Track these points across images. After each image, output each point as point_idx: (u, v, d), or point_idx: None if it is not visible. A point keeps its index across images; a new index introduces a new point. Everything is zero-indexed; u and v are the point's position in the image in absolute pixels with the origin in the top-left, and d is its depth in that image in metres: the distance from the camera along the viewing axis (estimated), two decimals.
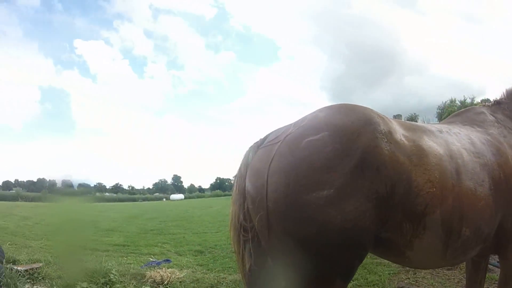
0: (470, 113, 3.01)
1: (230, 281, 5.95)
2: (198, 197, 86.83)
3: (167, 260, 7.83)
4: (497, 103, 3.12)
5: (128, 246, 10.99)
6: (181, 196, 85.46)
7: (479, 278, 3.09)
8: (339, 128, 1.96)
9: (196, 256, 9.04)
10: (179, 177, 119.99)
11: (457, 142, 2.40)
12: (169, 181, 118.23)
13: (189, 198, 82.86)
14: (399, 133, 2.13)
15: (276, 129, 2.20)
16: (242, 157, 2.30)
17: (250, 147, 2.27)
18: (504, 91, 3.17)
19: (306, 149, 1.89)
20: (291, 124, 2.12)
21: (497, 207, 2.33)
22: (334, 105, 2.25)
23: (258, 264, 2.19)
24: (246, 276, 2.28)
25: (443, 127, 2.61)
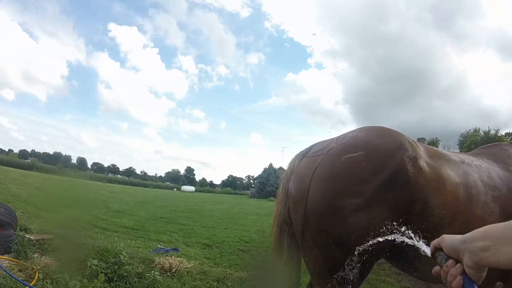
0: (496, 149, 3.16)
1: (236, 278, 5.98)
2: (209, 191, 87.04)
3: (175, 249, 7.88)
4: None
5: (137, 230, 11.10)
6: (192, 188, 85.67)
7: None
8: (375, 149, 2.29)
9: (203, 249, 9.09)
10: (192, 170, 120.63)
11: (475, 174, 2.59)
12: (182, 172, 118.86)
13: (200, 191, 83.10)
14: (423, 159, 2.38)
15: (319, 141, 2.61)
16: (289, 163, 2.70)
17: (296, 155, 2.66)
18: None
19: (345, 164, 2.25)
20: (333, 139, 2.50)
21: None
22: (372, 127, 2.57)
23: (293, 257, 2.59)
24: (281, 263, 2.64)
25: (467, 157, 2.80)
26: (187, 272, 5.75)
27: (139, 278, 4.88)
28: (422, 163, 2.35)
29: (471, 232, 1.15)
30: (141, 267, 5.38)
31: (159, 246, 8.05)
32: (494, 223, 2.14)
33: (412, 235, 1.46)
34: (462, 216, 2.34)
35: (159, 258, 6.06)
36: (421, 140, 9.11)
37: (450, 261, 1.15)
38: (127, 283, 4.67)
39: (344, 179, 2.23)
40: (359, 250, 2.11)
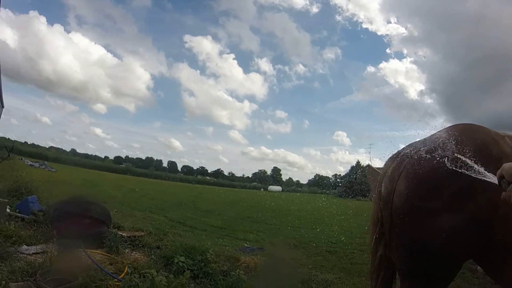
0: None
1: (321, 280, 5.83)
2: (295, 191, 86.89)
3: (261, 248, 7.90)
4: None
5: (225, 229, 11.36)
6: (279, 188, 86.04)
7: None
8: (457, 151, 2.23)
9: (289, 249, 8.96)
10: (279, 170, 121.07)
11: None
12: (269, 172, 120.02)
13: (287, 191, 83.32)
14: (509, 158, 2.17)
15: (410, 143, 2.67)
16: (384, 164, 2.83)
17: (389, 157, 2.77)
18: None
19: (426, 167, 2.29)
20: (422, 141, 2.56)
21: None
22: (458, 126, 2.55)
23: (386, 254, 2.64)
24: (375, 261, 2.75)
25: None
26: (272, 272, 5.71)
27: (224, 276, 4.93)
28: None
29: None
30: (226, 265, 5.44)
31: (245, 245, 8.13)
32: None
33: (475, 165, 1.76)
34: None
35: (245, 257, 6.09)
36: None
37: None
38: (212, 280, 4.74)
39: (425, 182, 2.29)
40: (440, 251, 2.22)
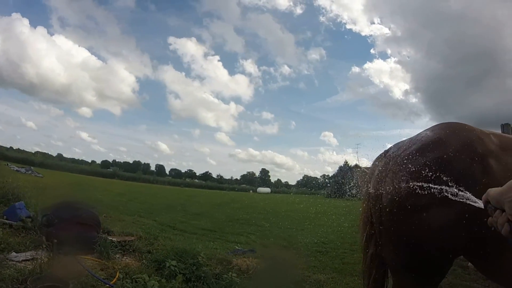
0: None
1: (314, 280, 5.83)
2: (284, 192, 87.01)
3: (252, 250, 7.87)
4: None
5: (215, 231, 11.31)
6: (267, 189, 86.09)
7: None
8: (443, 149, 2.32)
9: (281, 250, 8.99)
10: (267, 171, 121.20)
11: None
12: (257, 174, 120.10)
13: (276, 192, 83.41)
14: (494, 156, 2.33)
15: (396, 143, 2.74)
16: (372, 163, 2.88)
17: (377, 157, 2.83)
18: None
19: (413, 165, 2.32)
20: (410, 139, 2.61)
21: None
22: (443, 124, 2.63)
23: (377, 252, 2.66)
24: (367, 260, 2.78)
25: None
26: (264, 273, 5.70)
27: (216, 279, 4.90)
28: (492, 161, 2.30)
29: (507, 183, 1.28)
30: (218, 268, 5.41)
31: (237, 247, 8.09)
32: None
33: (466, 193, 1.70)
34: None
35: (237, 260, 6.07)
36: (505, 126, 8.49)
37: (497, 211, 1.29)
38: (205, 283, 4.71)
39: (414, 179, 2.26)
40: (429, 247, 2.27)
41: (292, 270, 6.49)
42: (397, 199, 2.34)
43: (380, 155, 2.80)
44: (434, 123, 2.71)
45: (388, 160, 2.58)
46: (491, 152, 2.33)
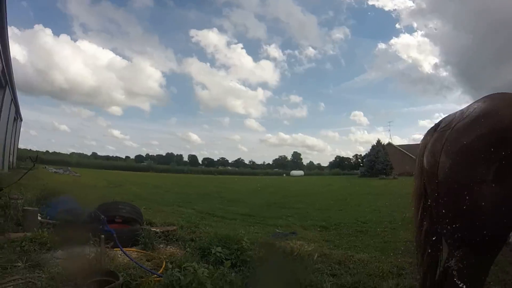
0: None
1: (358, 260, 5.75)
2: (317, 174, 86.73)
3: (293, 233, 7.87)
4: None
5: (253, 216, 11.34)
6: (301, 172, 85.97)
7: None
8: (498, 120, 2.24)
9: (321, 231, 8.96)
10: (299, 154, 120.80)
11: None
12: (289, 157, 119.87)
13: (309, 174, 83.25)
14: None
15: (447, 115, 2.65)
16: (422, 139, 2.79)
17: (428, 131, 2.75)
18: None
19: (469, 138, 2.28)
20: (461, 111, 2.52)
21: None
22: (496, 95, 2.54)
23: (432, 227, 2.65)
24: (421, 235, 2.76)
25: None
26: (308, 255, 5.66)
27: (261, 263, 4.89)
28: None
29: None
30: (262, 252, 5.39)
31: (277, 230, 8.08)
32: None
33: None
34: None
35: (280, 243, 6.06)
36: None
37: None
38: (251, 267, 4.70)
39: (469, 153, 2.26)
40: (485, 221, 2.19)
41: (335, 250, 6.45)
42: (454, 173, 2.30)
43: (431, 128, 2.73)
44: (467, 97, 2.72)
45: (441, 133, 2.50)
46: None
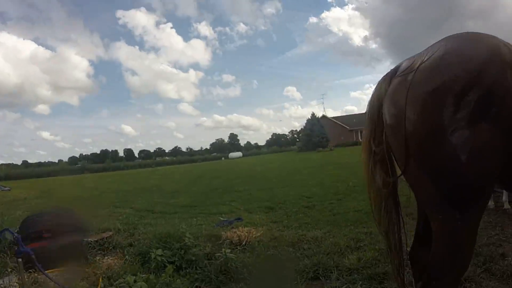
0: None
1: (311, 238, 5.49)
2: (256, 154, 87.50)
3: (239, 219, 7.45)
4: None
5: (195, 206, 10.84)
6: (239, 154, 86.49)
7: None
8: (470, 58, 2.02)
9: (267, 212, 8.65)
10: (236, 135, 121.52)
11: None
12: (226, 140, 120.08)
13: (247, 155, 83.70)
14: None
15: (405, 59, 2.32)
16: (375, 88, 2.43)
17: (382, 78, 2.38)
18: None
19: (441, 77, 1.99)
20: (420, 54, 2.20)
21: None
22: (461, 34, 2.28)
23: (386, 184, 2.40)
24: (374, 192, 2.51)
25: None
26: (258, 241, 5.30)
27: (209, 259, 4.42)
28: None
29: None
30: (208, 246, 4.92)
31: (221, 218, 7.61)
32: None
33: None
34: None
35: (226, 232, 5.63)
36: None
37: None
38: (197, 268, 4.21)
39: (442, 94, 1.97)
40: (467, 173, 1.96)
41: (286, 231, 6.14)
42: (425, 120, 2.02)
43: (386, 76, 2.36)
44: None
45: (404, 77, 2.17)
46: None
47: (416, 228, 2.72)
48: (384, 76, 2.40)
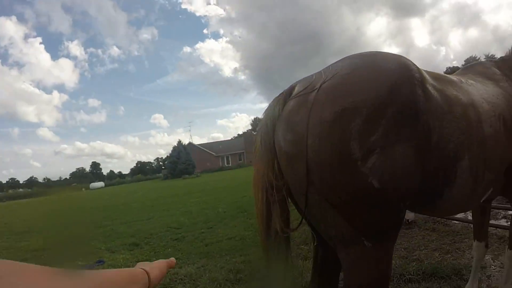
0: (481, 67, 3.14)
1: (185, 276, 5.15)
2: (119, 183, 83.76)
3: (100, 261, 6.65)
4: (502, 59, 3.27)
5: (49, 249, 9.49)
6: (101, 184, 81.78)
7: (485, 221, 3.56)
8: (381, 75, 1.90)
9: (132, 250, 7.91)
10: (98, 164, 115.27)
11: (475, 92, 2.49)
12: (88, 169, 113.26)
13: (110, 185, 79.60)
14: (429, 82, 2.11)
15: (301, 79, 2.11)
16: (265, 111, 2.15)
17: (274, 100, 2.12)
18: (510, 48, 3.31)
19: (349, 97, 1.80)
20: (320, 72, 2.00)
21: (509, 152, 2.51)
22: (365, 53, 2.13)
23: (287, 226, 2.08)
24: (270, 239, 2.12)
25: (462, 77, 2.69)
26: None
27: None
28: (429, 85, 2.07)
29: None
30: None
31: (79, 263, 6.70)
32: (502, 139, 2.40)
33: None
34: (477, 137, 2.23)
35: None
36: None
37: None
38: None
39: (351, 116, 1.76)
40: (386, 199, 1.82)
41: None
42: (334, 146, 1.77)
43: (279, 98, 2.09)
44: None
45: (303, 98, 1.92)
46: (426, 78, 2.10)
47: (314, 261, 2.48)
48: (276, 97, 2.14)
